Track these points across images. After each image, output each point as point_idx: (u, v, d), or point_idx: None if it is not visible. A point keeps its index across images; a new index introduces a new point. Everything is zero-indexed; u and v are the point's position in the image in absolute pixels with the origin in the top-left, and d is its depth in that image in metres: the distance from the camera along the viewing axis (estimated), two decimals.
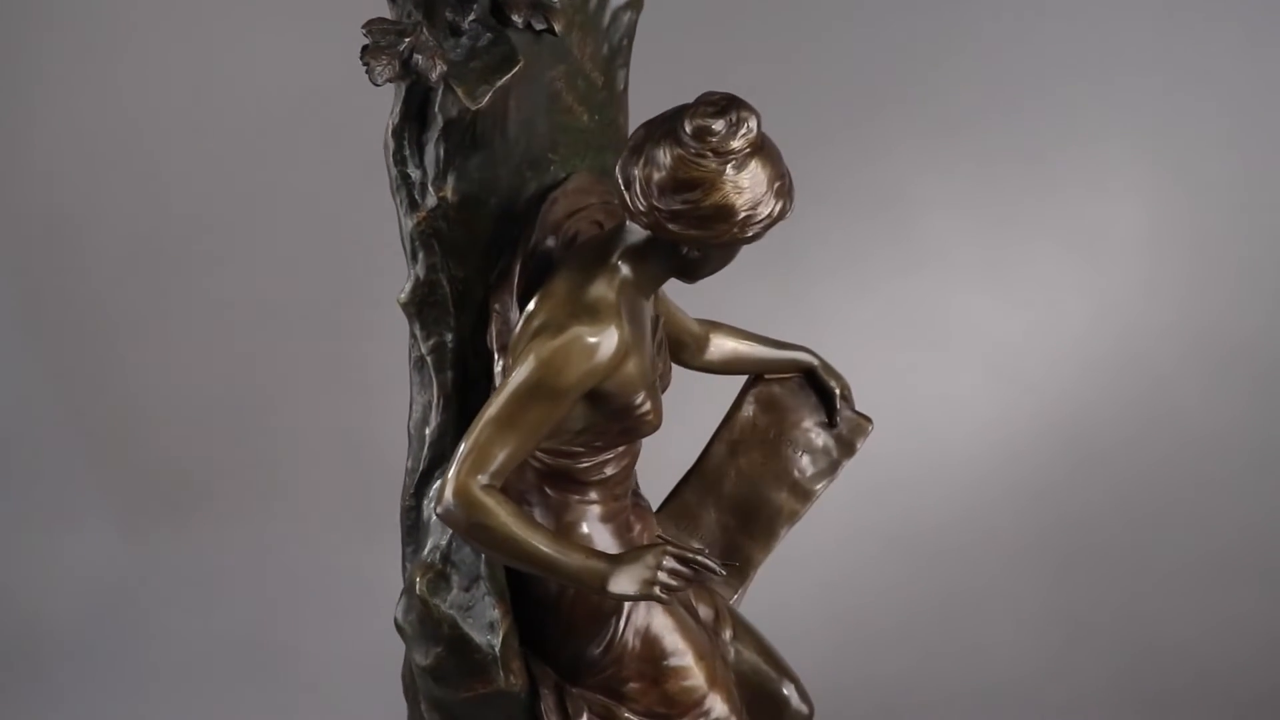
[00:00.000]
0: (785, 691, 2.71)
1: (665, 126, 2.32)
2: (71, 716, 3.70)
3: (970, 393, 3.79)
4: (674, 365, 2.79)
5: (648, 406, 2.40)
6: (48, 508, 4.20)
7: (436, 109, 2.44)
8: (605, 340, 2.29)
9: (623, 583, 2.25)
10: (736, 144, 2.28)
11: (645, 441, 2.88)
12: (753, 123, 2.30)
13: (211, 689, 3.75)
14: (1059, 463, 3.97)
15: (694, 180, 2.27)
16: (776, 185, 2.32)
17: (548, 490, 2.44)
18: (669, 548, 2.26)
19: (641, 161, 2.30)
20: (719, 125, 2.27)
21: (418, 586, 2.40)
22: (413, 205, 2.47)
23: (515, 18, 2.49)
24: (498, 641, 2.40)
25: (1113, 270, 4.08)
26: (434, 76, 2.39)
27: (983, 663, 3.62)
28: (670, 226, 2.30)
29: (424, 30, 2.38)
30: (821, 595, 3.13)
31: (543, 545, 2.26)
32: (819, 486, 2.93)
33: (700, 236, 2.30)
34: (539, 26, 2.52)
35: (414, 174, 2.46)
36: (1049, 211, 4.06)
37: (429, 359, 2.50)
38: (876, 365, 2.98)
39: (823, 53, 2.97)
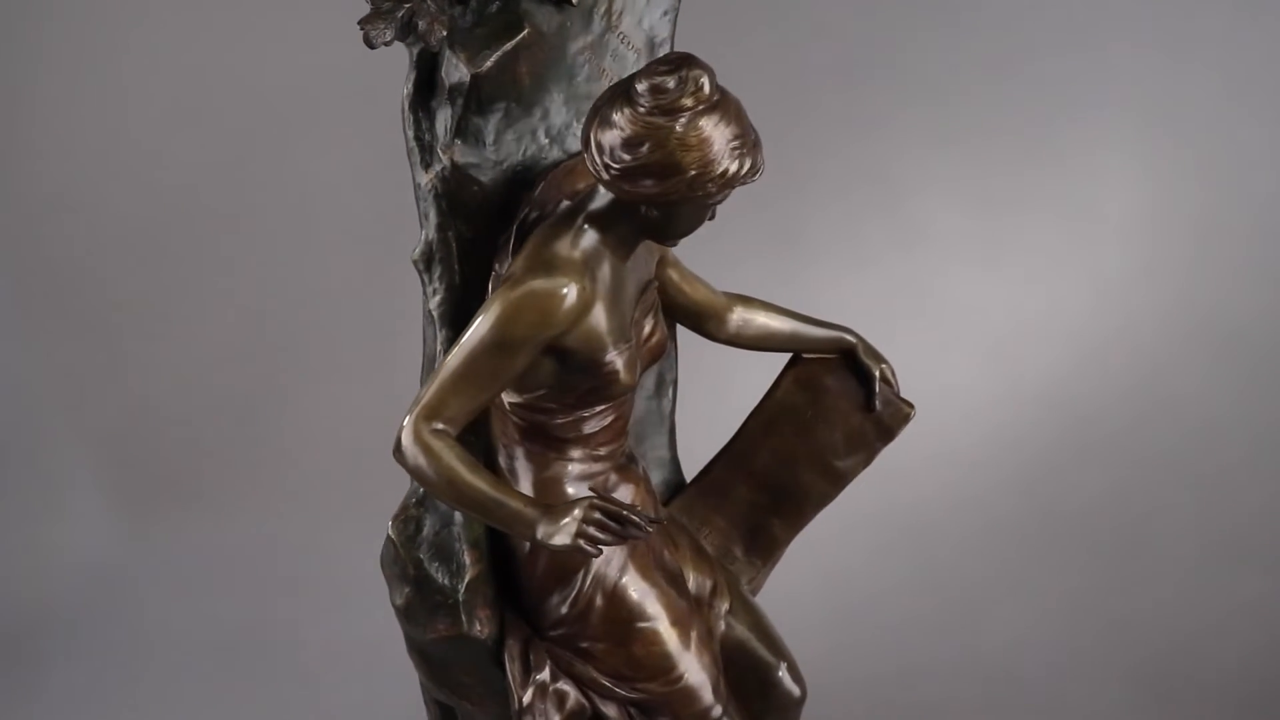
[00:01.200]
0: (779, 672, 2.68)
1: (621, 87, 2.35)
2: (70, 706, 3.72)
3: (966, 376, 3.67)
4: (712, 341, 2.80)
5: (616, 366, 2.43)
6: (47, 496, 4.19)
7: (442, 74, 2.54)
8: (558, 294, 2.34)
9: (550, 532, 2.29)
10: (685, 101, 2.29)
11: (685, 415, 2.91)
12: (703, 80, 2.30)
13: (211, 680, 3.76)
14: (1057, 449, 3.85)
15: (641, 137, 2.30)
16: (732, 144, 2.31)
17: (529, 446, 2.50)
18: (596, 501, 2.28)
19: (598, 122, 2.35)
20: (668, 83, 2.29)
21: (390, 527, 2.51)
22: (424, 166, 2.58)
23: None
24: (461, 586, 2.49)
25: (1111, 252, 3.93)
26: (434, 40, 2.49)
27: (981, 653, 3.53)
28: (623, 185, 2.33)
29: None
30: (819, 586, 3.05)
31: (482, 490, 2.31)
32: (852, 471, 2.87)
33: (652, 194, 2.32)
34: None
35: (425, 137, 2.57)
36: (1046, 191, 3.92)
37: (434, 314, 2.60)
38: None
39: (817, 30, 2.86)
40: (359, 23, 2.47)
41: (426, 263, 2.61)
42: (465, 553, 2.49)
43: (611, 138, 2.32)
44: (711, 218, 2.46)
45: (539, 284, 2.34)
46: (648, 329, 2.53)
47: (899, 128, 3.89)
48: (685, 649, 2.56)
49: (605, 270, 2.42)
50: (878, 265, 3.29)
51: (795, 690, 2.70)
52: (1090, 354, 3.98)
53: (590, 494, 2.31)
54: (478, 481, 2.32)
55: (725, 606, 2.69)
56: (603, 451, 2.53)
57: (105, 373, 4.18)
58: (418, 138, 2.57)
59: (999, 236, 3.97)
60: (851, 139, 3.54)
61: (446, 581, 2.48)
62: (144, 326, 4.18)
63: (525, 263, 2.39)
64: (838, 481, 2.88)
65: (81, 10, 4.06)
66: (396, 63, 2.55)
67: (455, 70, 2.53)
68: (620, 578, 2.53)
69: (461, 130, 2.54)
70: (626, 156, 2.30)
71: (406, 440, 2.35)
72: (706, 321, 2.75)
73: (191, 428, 4.14)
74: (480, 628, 2.51)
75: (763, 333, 2.79)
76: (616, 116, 2.32)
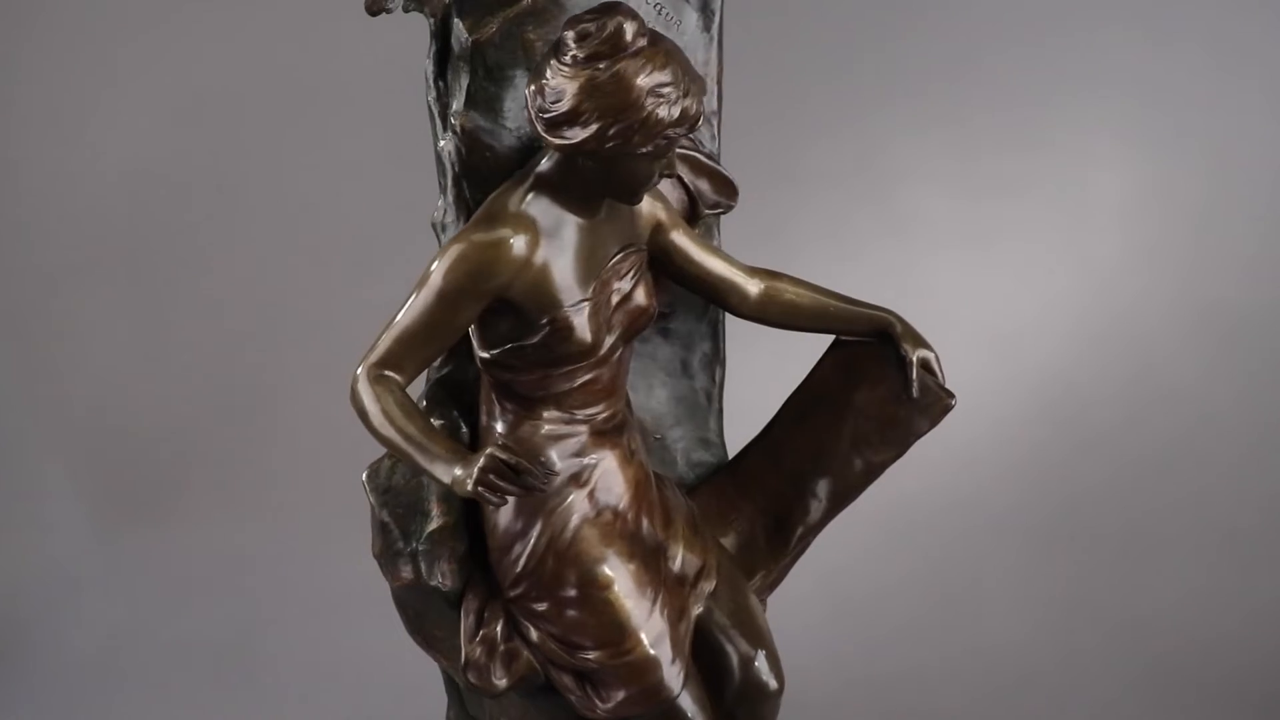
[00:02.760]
0: (755, 661, 2.57)
1: (556, 39, 2.34)
2: (41, 715, 3.65)
3: (961, 369, 3.23)
4: (737, 316, 2.72)
5: (570, 323, 2.41)
6: (17, 504, 4.09)
7: (453, 42, 2.61)
8: (495, 245, 2.36)
9: (455, 480, 2.28)
10: (603, 48, 2.29)
11: (736, 397, 2.82)
12: (624, 26, 2.29)
13: (186, 692, 3.68)
14: (1057, 443, 3.70)
15: (563, 86, 2.32)
16: (656, 91, 2.28)
17: (504, 404, 2.53)
18: (497, 451, 2.26)
19: (534, 73, 2.36)
20: (589, 30, 2.30)
21: (364, 475, 2.58)
22: (441, 130, 2.66)
23: None
24: (421, 535, 2.53)
25: (1106, 239, 3.82)
26: (436, 6, 2.56)
27: (982, 653, 3.34)
28: (551, 136, 2.34)
29: None
30: (816, 585, 2.87)
31: (412, 435, 2.33)
32: (883, 464, 2.69)
33: (578, 144, 2.32)
34: None
35: (442, 102, 2.64)
36: (1039, 177, 3.79)
37: None
38: None
39: (803, 18, 2.66)
40: None
41: (443, 226, 2.68)
42: (433, 504, 2.54)
43: (540, 87, 2.33)
44: (668, 173, 2.41)
45: (479, 236, 2.37)
46: (622, 291, 2.49)
47: (887, 115, 3.75)
48: (641, 622, 2.49)
49: (562, 226, 2.42)
50: (867, 255, 3.11)
51: (771, 682, 2.56)
52: (1088, 344, 3.79)
53: (496, 444, 2.29)
54: (409, 426, 2.34)
55: (709, 589, 2.60)
56: (580, 415, 2.51)
57: (78, 377, 4.16)
58: (437, 103, 2.66)
59: (991, 224, 3.80)
60: (839, 127, 3.37)
61: (412, 530, 2.54)
62: (121, 331, 4.16)
63: (475, 217, 2.43)
64: (868, 474, 2.72)
65: (61, 18, 4.11)
66: (383, 67, 2.61)
67: (461, 37, 2.60)
68: (575, 541, 2.50)
69: (473, 97, 2.60)
70: (551, 106, 2.31)
71: (357, 385, 2.41)
72: (727, 295, 2.67)
73: (169, 433, 4.09)
74: (443, 579, 2.55)
75: (788, 309, 2.67)
76: (545, 67, 2.33)
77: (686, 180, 2.77)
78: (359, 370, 2.42)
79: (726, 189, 2.82)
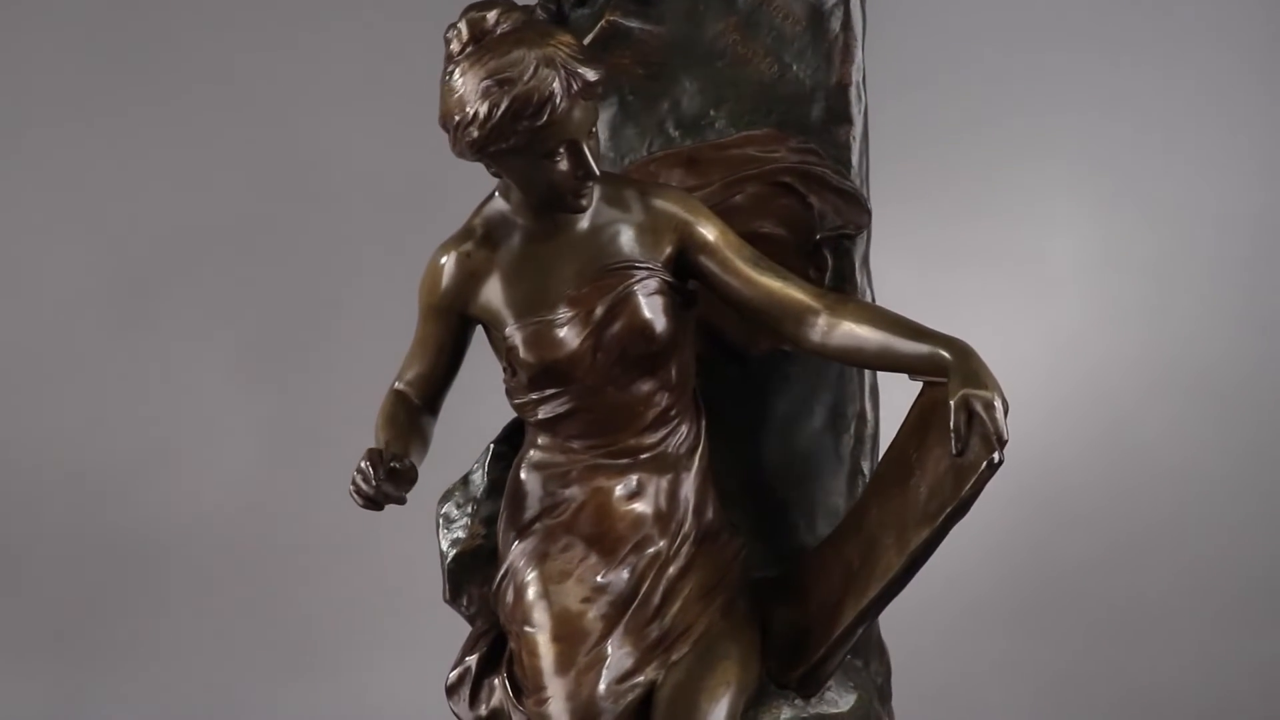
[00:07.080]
0: None
1: None
2: None
3: None
4: (798, 349, 2.37)
5: (525, 341, 2.27)
6: None
7: None
8: (440, 258, 2.33)
9: None
10: (453, 47, 2.22)
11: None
12: (479, 20, 2.18)
13: None
14: (1037, 518, 3.86)
15: (440, 94, 2.24)
16: (489, 84, 2.13)
17: (524, 429, 2.43)
18: (368, 452, 2.15)
19: None
20: (449, 34, 2.18)
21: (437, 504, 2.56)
22: None
23: None
24: (452, 554, 2.46)
25: (1073, 312, 4.05)
26: None
27: None
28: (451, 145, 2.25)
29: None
30: None
31: (378, 439, 2.29)
32: (919, 537, 2.13)
33: (456, 151, 2.23)
34: None
35: None
36: (996, 249, 4.01)
37: None
38: None
39: None
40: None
41: None
42: (473, 526, 2.47)
43: None
44: (581, 177, 2.19)
45: (436, 251, 2.37)
46: (609, 309, 2.27)
47: None
48: (561, 673, 2.24)
49: (513, 240, 2.33)
50: None
51: None
52: (1065, 417, 3.92)
53: (371, 448, 2.16)
54: (379, 432, 2.31)
55: (678, 656, 2.28)
56: (577, 444, 2.33)
57: None
58: None
59: (954, 297, 3.84)
60: None
61: (445, 549, 2.49)
62: (22, 458, 3.91)
63: None
64: (901, 549, 2.19)
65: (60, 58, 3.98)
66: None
67: None
68: (525, 576, 2.32)
69: None
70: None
71: None
72: (783, 322, 2.31)
73: (75, 569, 3.84)
74: (467, 604, 2.46)
75: (846, 342, 2.27)
76: None
77: (811, 198, 2.48)
78: None
79: (853, 209, 2.48)
